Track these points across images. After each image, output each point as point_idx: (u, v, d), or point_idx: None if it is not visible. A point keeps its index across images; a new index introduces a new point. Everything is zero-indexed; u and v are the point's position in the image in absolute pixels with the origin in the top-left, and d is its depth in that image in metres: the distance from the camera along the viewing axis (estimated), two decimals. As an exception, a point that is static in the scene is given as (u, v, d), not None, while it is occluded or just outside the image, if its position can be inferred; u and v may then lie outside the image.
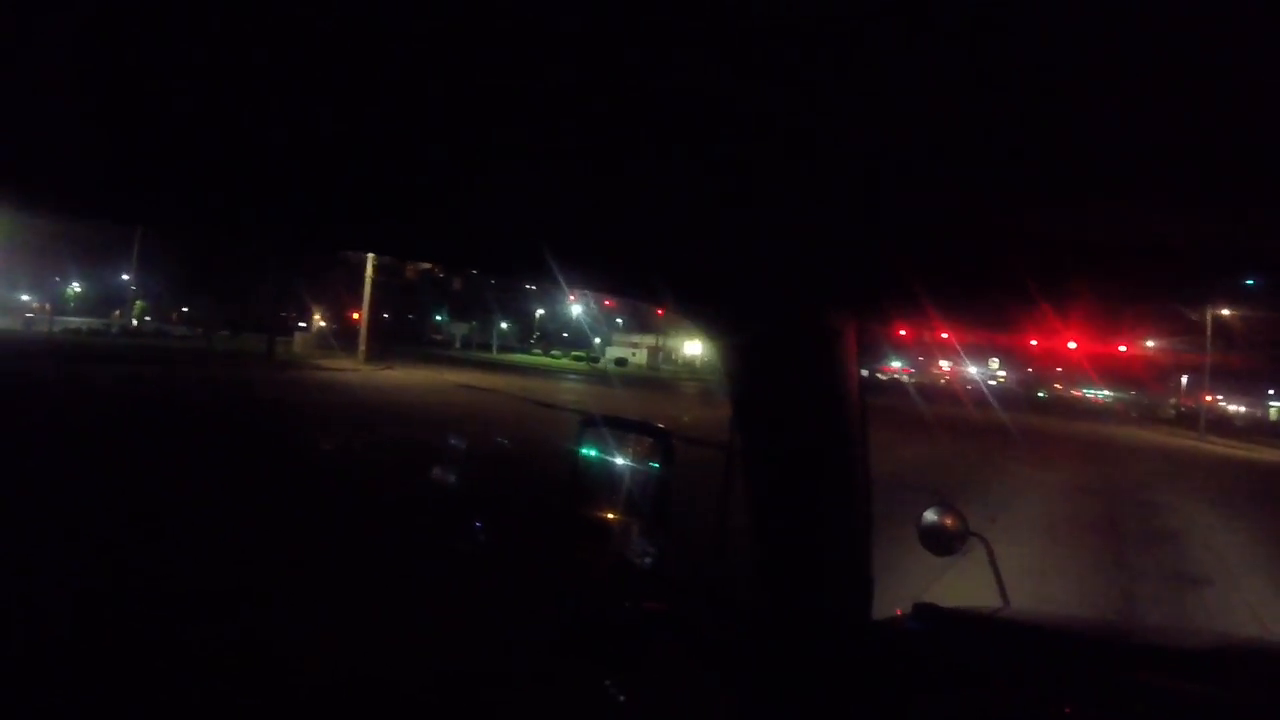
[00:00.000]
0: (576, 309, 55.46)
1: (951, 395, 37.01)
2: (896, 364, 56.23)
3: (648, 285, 1.53)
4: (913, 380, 54.43)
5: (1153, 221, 1.14)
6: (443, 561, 4.87)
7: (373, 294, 34.88)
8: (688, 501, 1.53)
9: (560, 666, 2.18)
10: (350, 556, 5.51)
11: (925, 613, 1.62)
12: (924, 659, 1.51)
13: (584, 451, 1.69)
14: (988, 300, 1.64)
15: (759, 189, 1.08)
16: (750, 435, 1.48)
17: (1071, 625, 2.00)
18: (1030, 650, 1.56)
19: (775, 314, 1.38)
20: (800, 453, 1.43)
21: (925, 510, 1.82)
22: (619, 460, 1.63)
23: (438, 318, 64.64)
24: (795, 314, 1.38)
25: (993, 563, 1.93)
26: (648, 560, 1.57)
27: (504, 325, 63.35)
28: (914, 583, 4.69)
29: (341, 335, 36.95)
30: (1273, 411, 41.34)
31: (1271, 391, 40.60)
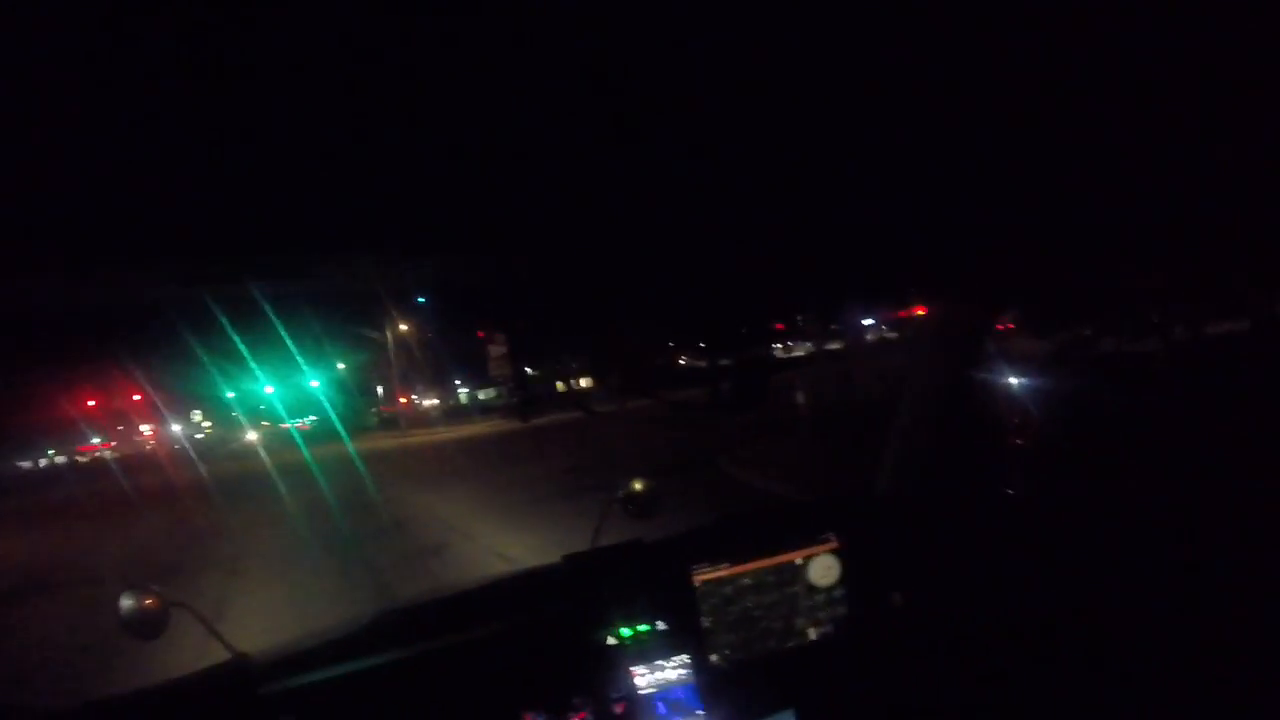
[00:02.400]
0: None
1: (155, 462, 33.74)
2: (96, 440, 50.67)
3: None
4: (115, 454, 47.97)
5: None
6: None
7: None
8: None
9: None
10: None
11: None
12: None
13: None
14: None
15: None
16: None
17: (231, 660, 1.80)
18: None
19: None
20: None
21: (120, 598, 1.70)
22: None
23: None
24: None
25: (205, 623, 1.87)
26: None
27: None
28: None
29: None
30: (461, 397, 47.07)
31: (458, 382, 46.29)
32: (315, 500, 14.25)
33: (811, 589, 1.94)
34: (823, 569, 1.94)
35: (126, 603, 1.71)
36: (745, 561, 1.89)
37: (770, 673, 1.87)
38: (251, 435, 43.98)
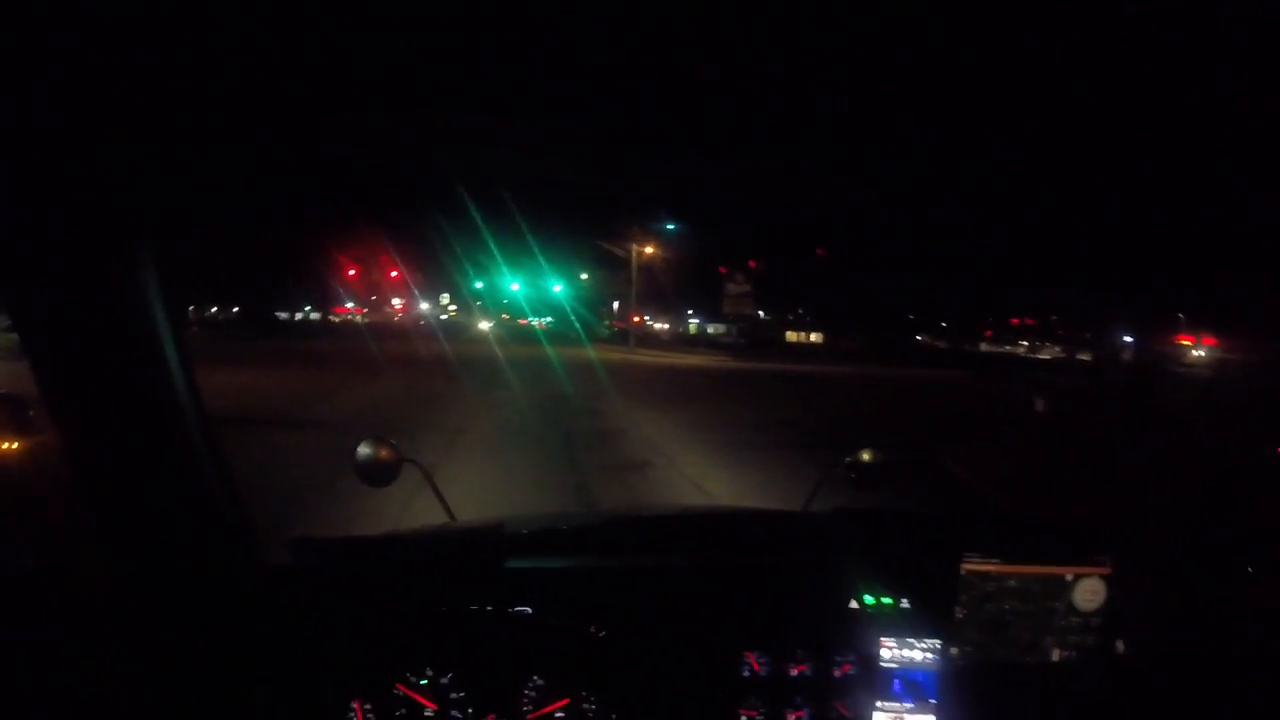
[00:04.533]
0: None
1: (402, 332, 38.02)
2: (349, 305, 56.95)
3: None
4: (366, 320, 53.07)
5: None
6: None
7: None
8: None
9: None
10: None
11: (302, 548, 1.53)
12: (299, 597, 1.46)
13: None
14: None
15: None
16: (48, 390, 1.14)
17: (485, 527, 1.82)
18: (404, 564, 1.59)
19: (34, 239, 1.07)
20: (97, 397, 1.16)
21: (358, 445, 1.78)
22: None
23: None
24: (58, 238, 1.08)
25: (431, 484, 1.98)
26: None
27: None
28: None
29: None
30: (690, 327, 49.83)
31: (689, 312, 49.17)
32: (535, 393, 14.99)
33: (1070, 610, 1.74)
34: (1089, 592, 1.74)
35: (364, 450, 1.79)
36: (1017, 563, 1.73)
37: (1006, 682, 1.74)
38: (484, 324, 46.85)
